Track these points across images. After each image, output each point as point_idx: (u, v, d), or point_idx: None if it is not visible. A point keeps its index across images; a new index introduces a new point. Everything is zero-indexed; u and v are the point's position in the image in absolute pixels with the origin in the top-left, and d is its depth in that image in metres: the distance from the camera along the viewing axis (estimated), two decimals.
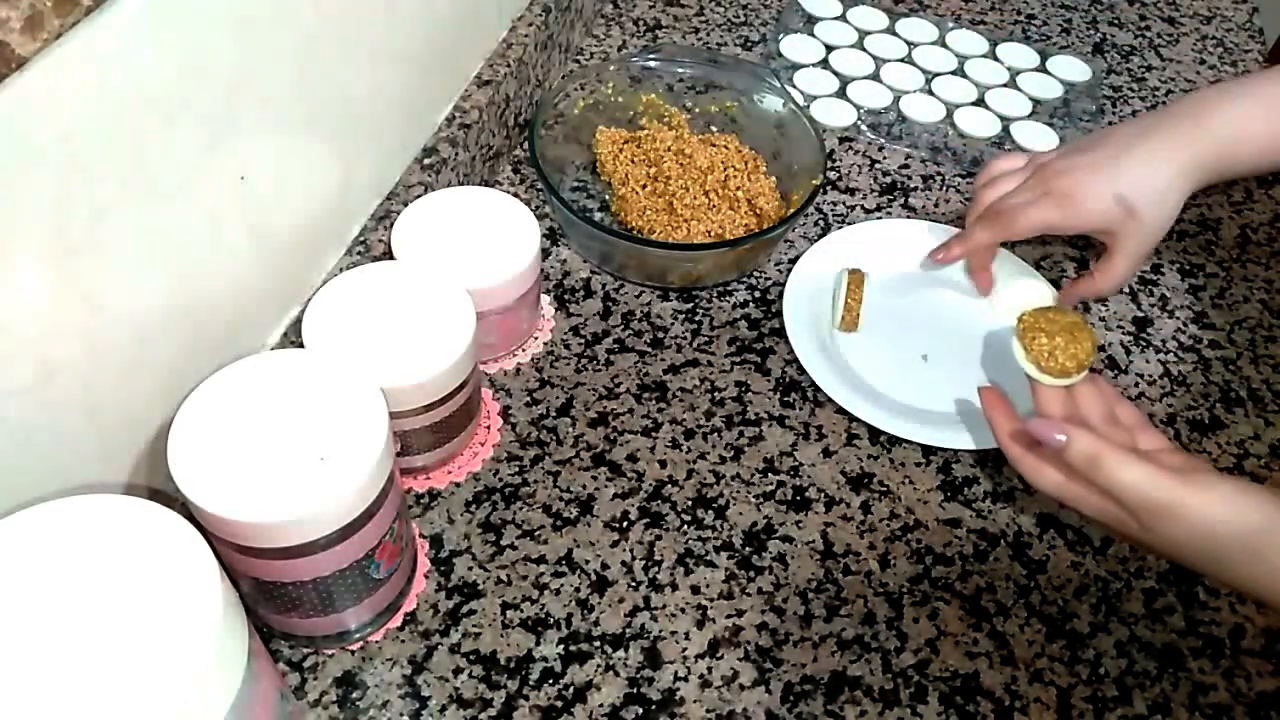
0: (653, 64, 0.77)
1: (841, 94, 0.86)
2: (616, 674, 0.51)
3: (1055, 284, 0.71)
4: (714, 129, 0.78)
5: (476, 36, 0.71)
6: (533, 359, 0.64)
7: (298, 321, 0.56)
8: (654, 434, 0.61)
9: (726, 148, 0.73)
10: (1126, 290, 0.73)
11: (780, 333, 0.67)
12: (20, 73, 0.34)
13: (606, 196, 0.74)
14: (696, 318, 0.68)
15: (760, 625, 0.53)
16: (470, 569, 0.54)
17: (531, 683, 0.50)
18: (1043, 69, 0.91)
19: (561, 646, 0.51)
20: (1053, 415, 0.53)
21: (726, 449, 0.61)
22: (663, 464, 0.60)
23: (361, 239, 0.61)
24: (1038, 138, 0.83)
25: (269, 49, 0.47)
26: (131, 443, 0.46)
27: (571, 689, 0.50)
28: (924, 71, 0.89)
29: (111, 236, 0.40)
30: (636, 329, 0.67)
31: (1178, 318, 0.72)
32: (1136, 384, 0.67)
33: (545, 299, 0.68)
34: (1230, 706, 0.52)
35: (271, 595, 0.45)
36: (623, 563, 0.55)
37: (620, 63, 0.77)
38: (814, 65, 0.88)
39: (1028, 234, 0.64)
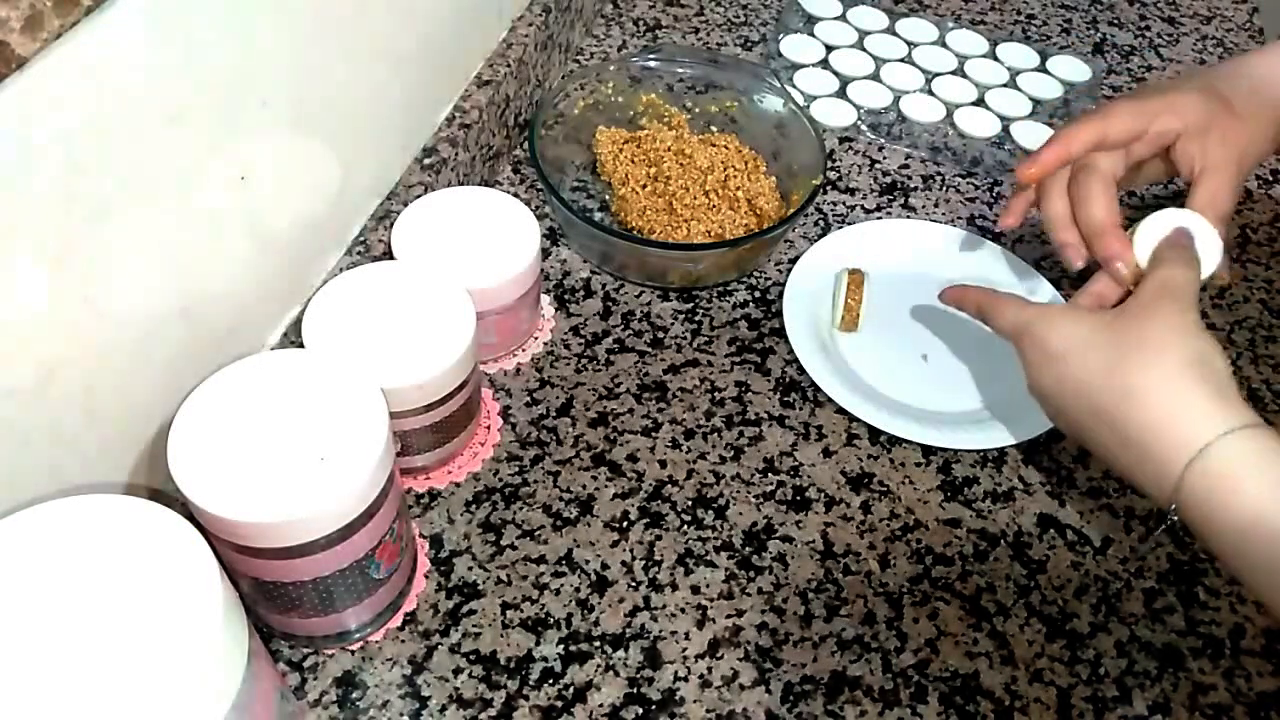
0: (653, 64, 0.77)
1: (841, 94, 0.86)
2: (616, 674, 0.51)
3: (1056, 284, 0.71)
4: (714, 129, 0.78)
5: (476, 36, 0.71)
6: (533, 359, 0.64)
7: (298, 321, 0.56)
8: (654, 434, 0.61)
9: (726, 148, 0.73)
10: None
11: (780, 333, 0.67)
12: (20, 73, 0.34)
13: (606, 196, 0.74)
14: (696, 318, 0.68)
15: (760, 625, 0.53)
16: (470, 569, 0.54)
17: (531, 683, 0.50)
18: (1043, 69, 0.91)
19: (561, 646, 0.51)
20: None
21: (726, 449, 0.61)
22: (663, 464, 0.60)
23: (361, 239, 0.61)
24: (1038, 138, 0.83)
25: (269, 49, 0.47)
26: (131, 443, 0.46)
27: (571, 689, 0.50)
28: (924, 71, 0.89)
29: (111, 236, 0.40)
30: (636, 329, 0.67)
31: None
32: None
33: (545, 299, 0.68)
34: (1230, 706, 0.52)
35: (271, 595, 0.45)
36: (623, 563, 0.55)
37: (620, 63, 0.77)
38: (814, 65, 0.88)
39: (1121, 135, 0.58)
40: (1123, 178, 0.60)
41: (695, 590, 0.54)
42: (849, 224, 0.75)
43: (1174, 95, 0.58)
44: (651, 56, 0.77)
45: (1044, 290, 0.70)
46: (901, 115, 0.85)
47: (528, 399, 0.62)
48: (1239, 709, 0.52)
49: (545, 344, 0.65)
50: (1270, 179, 0.84)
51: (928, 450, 0.62)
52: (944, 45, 0.92)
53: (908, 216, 0.77)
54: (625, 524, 0.57)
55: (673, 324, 0.67)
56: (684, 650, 0.52)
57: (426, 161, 0.65)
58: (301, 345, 0.50)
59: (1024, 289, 0.70)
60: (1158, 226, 0.55)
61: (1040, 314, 0.52)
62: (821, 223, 0.76)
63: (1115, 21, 0.99)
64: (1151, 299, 0.49)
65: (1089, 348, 0.49)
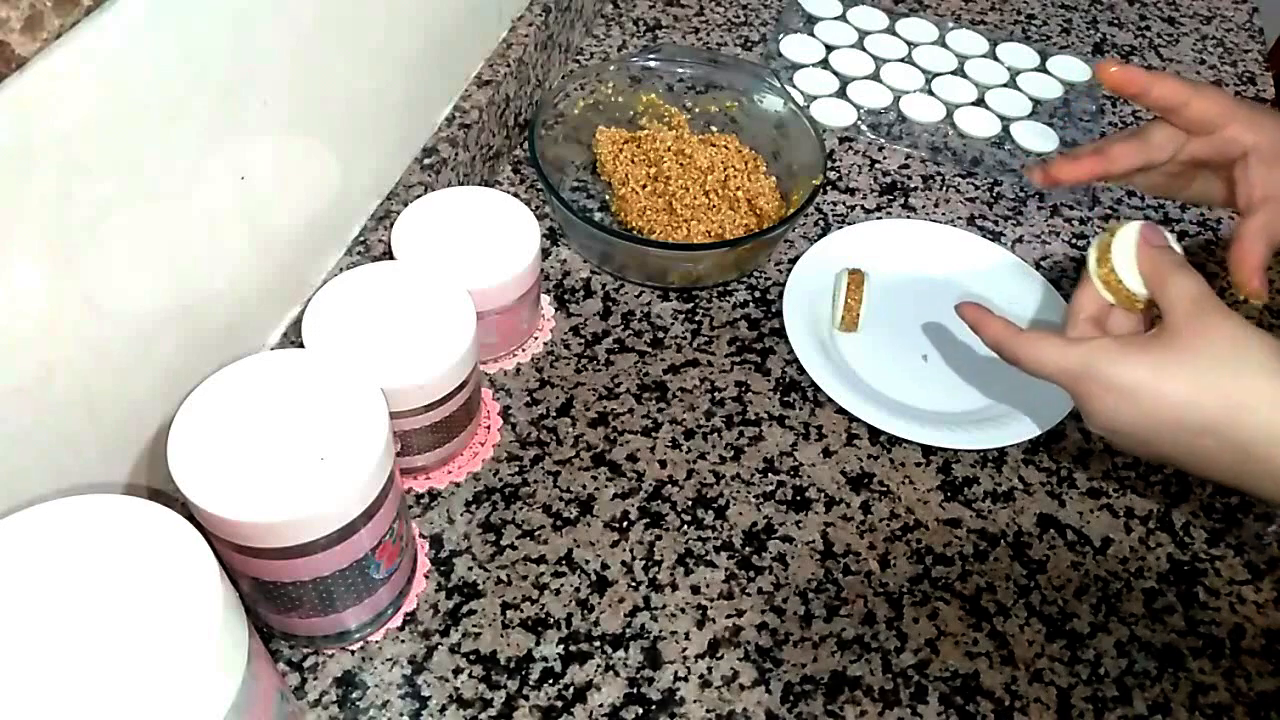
0: (653, 64, 0.77)
1: (841, 94, 0.86)
2: (616, 674, 0.51)
3: (1055, 284, 0.71)
4: (714, 129, 0.78)
5: (476, 36, 0.71)
6: (533, 359, 0.64)
7: (298, 321, 0.56)
8: (654, 434, 0.61)
9: (726, 148, 0.73)
10: None
11: (780, 333, 0.67)
12: (20, 73, 0.34)
13: (606, 196, 0.74)
14: (696, 318, 0.68)
15: (760, 625, 0.53)
16: (470, 569, 0.54)
17: (531, 683, 0.50)
18: (1043, 69, 0.91)
19: (561, 646, 0.51)
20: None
21: (726, 449, 0.61)
22: (663, 464, 0.60)
23: (361, 239, 0.61)
24: (1038, 138, 0.83)
25: (269, 49, 0.47)
26: (131, 443, 0.46)
27: (571, 689, 0.50)
28: (924, 71, 0.89)
29: (111, 236, 0.40)
30: (636, 329, 0.67)
31: None
32: None
33: (545, 299, 0.68)
34: (1230, 706, 0.52)
35: (271, 595, 0.45)
36: (623, 563, 0.55)
37: (620, 63, 0.77)
38: (814, 65, 0.89)
39: (1199, 115, 0.56)
40: (1173, 179, 0.59)
41: (695, 590, 0.54)
42: (849, 224, 0.75)
43: (1259, 115, 0.57)
44: (651, 56, 0.77)
45: (1044, 290, 0.70)
46: (901, 115, 0.85)
47: (528, 399, 0.62)
48: (1239, 709, 0.52)
49: (545, 344, 0.65)
50: None
51: (928, 450, 0.62)
52: (944, 45, 0.92)
53: (908, 216, 0.77)
54: (625, 524, 0.57)
55: (673, 324, 0.67)
56: (684, 650, 0.52)
57: (426, 161, 0.65)
58: (301, 345, 0.50)
59: (1023, 288, 0.71)
60: (1128, 237, 0.54)
61: (1095, 354, 0.50)
62: (821, 223, 0.76)
63: (1115, 21, 0.99)
64: (1192, 312, 0.48)
65: (1164, 376, 0.47)
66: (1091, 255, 0.54)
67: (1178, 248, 0.53)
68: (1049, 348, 0.51)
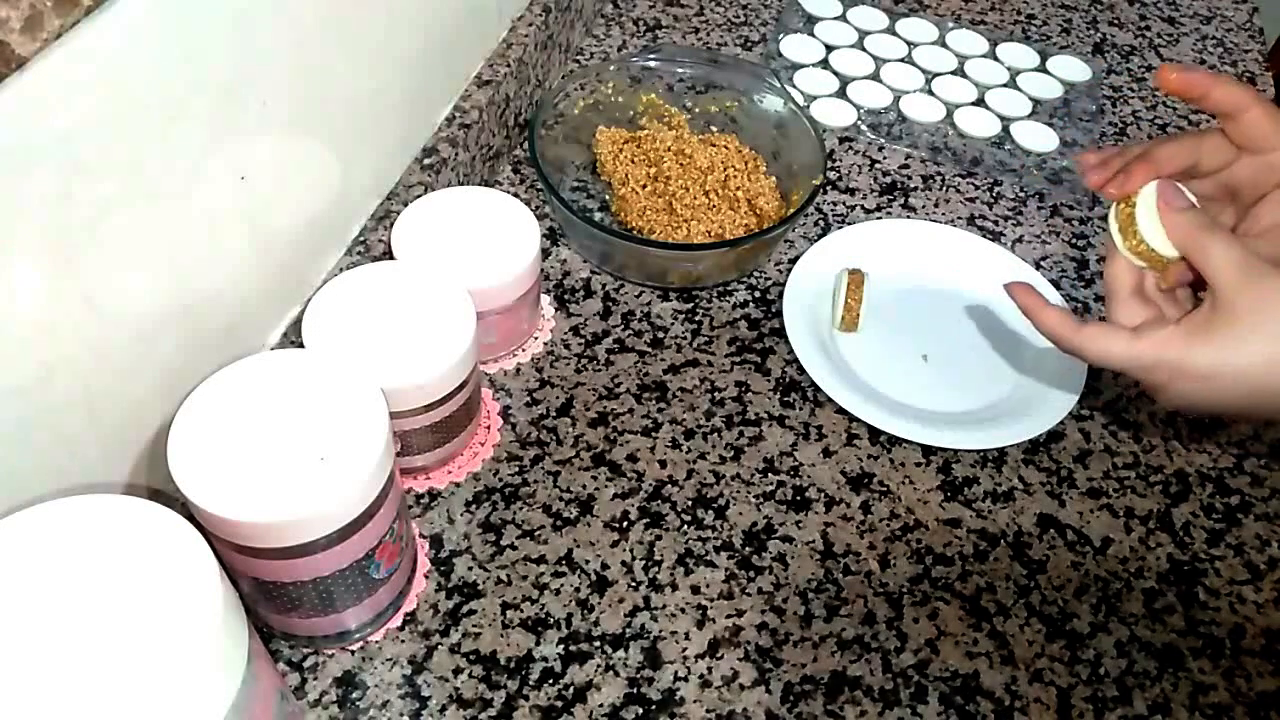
0: (653, 64, 0.77)
1: (841, 94, 0.86)
2: (616, 674, 0.51)
3: (1055, 284, 0.71)
4: (714, 129, 0.78)
5: (476, 36, 0.71)
6: (533, 359, 0.64)
7: (298, 321, 0.56)
8: (654, 434, 0.61)
9: (726, 148, 0.73)
10: None
11: (780, 333, 0.67)
12: (20, 73, 0.34)
13: (606, 196, 0.74)
14: (696, 318, 0.68)
15: (760, 625, 0.53)
16: (470, 569, 0.54)
17: (531, 683, 0.50)
18: (1043, 69, 0.91)
19: (561, 646, 0.51)
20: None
21: (726, 449, 0.61)
22: (663, 464, 0.60)
23: (361, 239, 0.61)
24: (1038, 138, 0.83)
25: (269, 49, 0.47)
26: (131, 443, 0.46)
27: (571, 689, 0.50)
28: (924, 71, 0.89)
29: (111, 236, 0.40)
30: (636, 329, 0.67)
31: None
32: (1136, 383, 0.67)
33: (545, 299, 0.68)
34: (1230, 706, 0.52)
35: (271, 595, 0.45)
36: (623, 563, 0.55)
37: (620, 63, 0.77)
38: (814, 65, 0.88)
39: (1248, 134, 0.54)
40: (1205, 203, 0.55)
41: (695, 590, 0.54)
42: (849, 224, 0.75)
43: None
44: (651, 56, 0.77)
45: (1044, 290, 0.70)
46: (901, 115, 0.85)
47: (528, 399, 0.62)
48: (1239, 709, 0.52)
49: (545, 344, 0.65)
50: None
51: (928, 450, 0.62)
52: (944, 45, 0.92)
53: (908, 216, 0.77)
54: (625, 524, 0.57)
55: (673, 324, 0.67)
56: (684, 650, 0.52)
57: (426, 161, 0.65)
58: (301, 345, 0.50)
59: None
60: (1148, 202, 0.52)
61: (1164, 348, 0.50)
62: (821, 223, 0.76)
63: (1115, 21, 0.99)
64: (1242, 281, 0.48)
65: (1233, 355, 0.48)
66: (1113, 227, 0.53)
67: (1193, 199, 0.52)
68: (1115, 342, 0.51)
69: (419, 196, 0.61)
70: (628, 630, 0.52)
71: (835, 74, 0.88)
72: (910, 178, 0.80)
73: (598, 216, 0.73)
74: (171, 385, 0.46)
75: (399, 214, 0.59)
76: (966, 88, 0.88)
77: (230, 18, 0.44)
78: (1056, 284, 0.71)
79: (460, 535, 0.55)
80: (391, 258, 0.58)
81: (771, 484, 0.59)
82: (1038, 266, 0.73)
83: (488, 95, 0.70)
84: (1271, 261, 0.53)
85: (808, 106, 0.83)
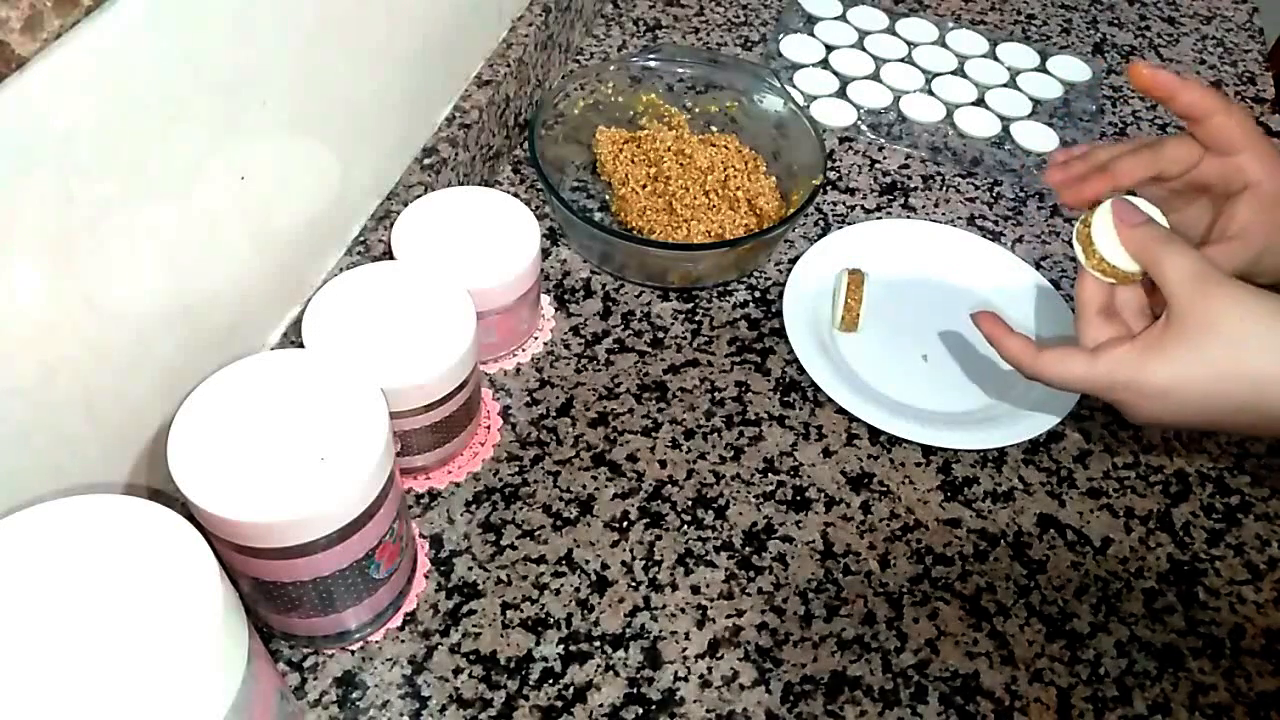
0: (653, 64, 0.77)
1: (841, 94, 0.86)
2: (616, 674, 0.51)
3: (1055, 284, 0.71)
4: (714, 129, 0.78)
5: (476, 36, 0.71)
6: (533, 359, 0.64)
7: (298, 321, 0.56)
8: (654, 434, 0.61)
9: (726, 148, 0.73)
10: None
11: (780, 333, 0.67)
12: (20, 73, 0.34)
13: (606, 196, 0.74)
14: (696, 318, 0.68)
15: (760, 625, 0.53)
16: (470, 569, 0.54)
17: (531, 683, 0.50)
18: (1043, 69, 0.91)
19: (561, 646, 0.51)
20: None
21: (726, 449, 0.61)
22: (663, 464, 0.60)
23: (361, 239, 0.61)
24: (1038, 138, 0.83)
25: (269, 49, 0.47)
26: (131, 443, 0.46)
27: (571, 689, 0.50)
28: (924, 71, 0.89)
29: (111, 236, 0.40)
30: (636, 329, 0.67)
31: None
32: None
33: (545, 299, 0.68)
34: (1230, 706, 0.52)
35: (271, 595, 0.45)
36: (623, 563, 0.55)
37: (620, 63, 0.77)
38: (814, 65, 0.88)
39: (1218, 136, 0.55)
40: (1175, 196, 0.57)
41: (695, 590, 0.54)
42: (849, 224, 0.75)
43: (1276, 154, 0.55)
44: (651, 56, 0.78)
45: (1044, 290, 0.70)
46: (901, 115, 0.85)
47: (528, 399, 0.62)
48: (1239, 709, 0.52)
49: (545, 344, 0.65)
50: None
51: (928, 450, 0.62)
52: (944, 45, 0.92)
53: (908, 216, 0.77)
54: (625, 524, 0.57)
55: (673, 324, 0.67)
56: (684, 650, 0.52)
57: (426, 161, 0.65)
58: (301, 345, 0.50)
59: (1023, 288, 0.71)
60: (1105, 221, 0.53)
61: (1118, 367, 0.50)
62: (821, 223, 0.76)
63: (1115, 21, 0.99)
64: (1195, 293, 0.48)
65: (1187, 372, 0.48)
66: (1077, 248, 0.54)
67: (1152, 211, 0.53)
68: (1073, 365, 0.52)
69: (419, 196, 0.61)
70: (628, 630, 0.52)
71: (835, 74, 0.88)
72: (910, 178, 0.80)
73: (598, 216, 0.73)
74: (171, 385, 0.46)
75: (399, 214, 0.59)
76: (966, 88, 0.88)
77: (230, 18, 0.44)
78: (1056, 284, 0.71)
79: (460, 535, 0.55)
80: (391, 258, 0.58)
81: (771, 484, 0.59)
82: (1037, 266, 0.73)
83: (488, 95, 0.70)
84: (1248, 263, 0.53)
85: (808, 106, 0.83)
